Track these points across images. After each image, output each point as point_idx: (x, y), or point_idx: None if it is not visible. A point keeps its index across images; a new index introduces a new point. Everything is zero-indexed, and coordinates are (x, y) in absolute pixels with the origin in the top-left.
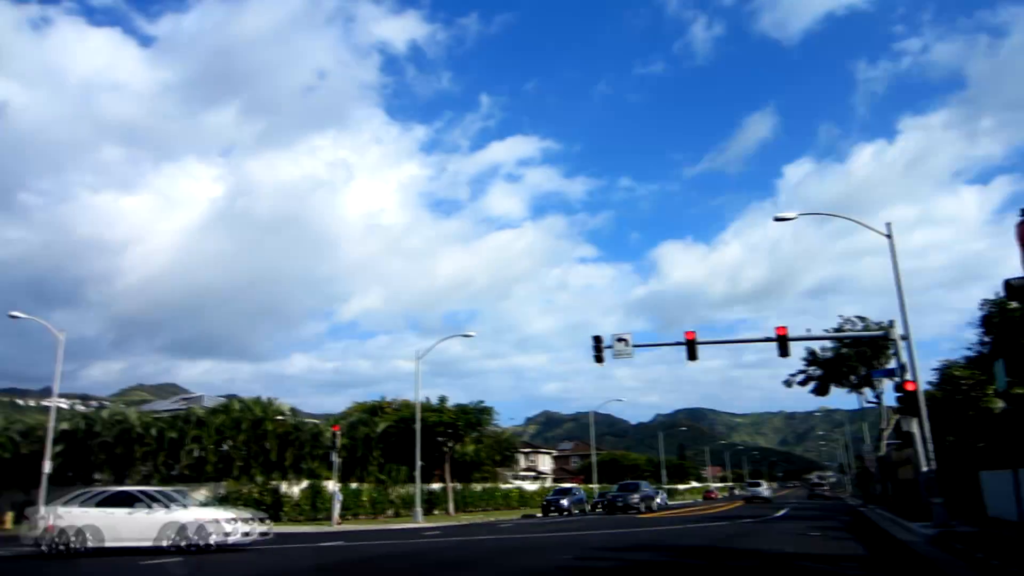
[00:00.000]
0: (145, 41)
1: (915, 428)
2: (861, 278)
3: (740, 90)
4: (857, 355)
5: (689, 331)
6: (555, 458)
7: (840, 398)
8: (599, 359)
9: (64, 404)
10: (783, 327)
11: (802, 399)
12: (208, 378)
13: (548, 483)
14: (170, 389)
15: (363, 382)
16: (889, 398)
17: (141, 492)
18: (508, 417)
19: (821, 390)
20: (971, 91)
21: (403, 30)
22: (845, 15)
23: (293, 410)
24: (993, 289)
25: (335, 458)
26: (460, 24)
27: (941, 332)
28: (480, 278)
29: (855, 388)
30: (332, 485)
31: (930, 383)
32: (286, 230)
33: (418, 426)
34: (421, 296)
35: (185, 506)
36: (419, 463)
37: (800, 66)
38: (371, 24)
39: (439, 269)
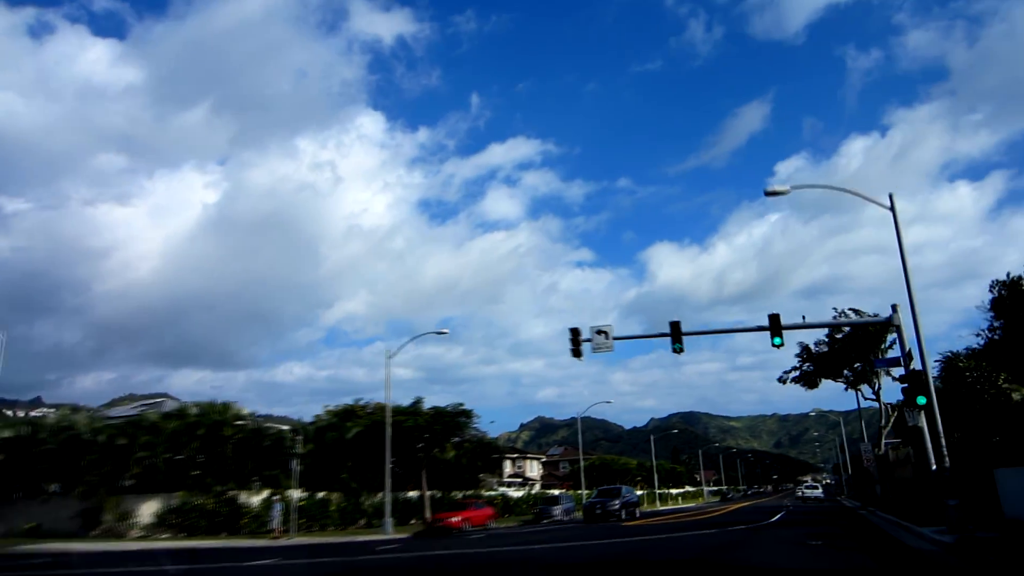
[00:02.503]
0: (125, 39)
1: (923, 421)
2: (856, 278)
3: (732, 87)
4: (853, 348)
5: (673, 320)
6: (544, 463)
7: (834, 399)
8: (576, 353)
9: (9, 412)
10: (776, 314)
11: (796, 402)
12: (201, 387)
13: (536, 489)
14: (162, 399)
15: (358, 390)
16: (888, 395)
17: None
18: (500, 423)
19: (811, 383)
20: (954, 82)
21: (393, 27)
22: (845, 5)
23: (253, 415)
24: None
25: (295, 465)
26: (453, 22)
27: (936, 332)
28: (474, 283)
29: (852, 385)
30: (295, 495)
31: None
32: (279, 235)
33: (388, 429)
34: (416, 302)
35: None
36: (389, 467)
37: (795, 61)
38: (360, 21)
39: (429, 273)
